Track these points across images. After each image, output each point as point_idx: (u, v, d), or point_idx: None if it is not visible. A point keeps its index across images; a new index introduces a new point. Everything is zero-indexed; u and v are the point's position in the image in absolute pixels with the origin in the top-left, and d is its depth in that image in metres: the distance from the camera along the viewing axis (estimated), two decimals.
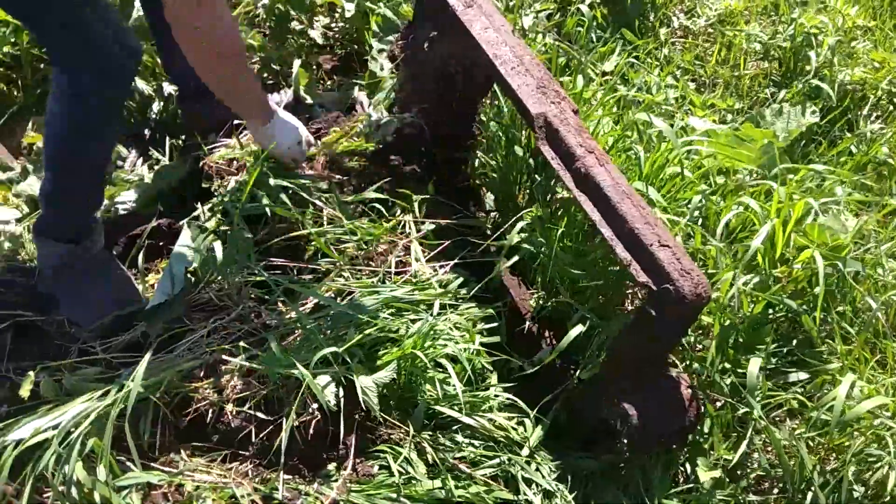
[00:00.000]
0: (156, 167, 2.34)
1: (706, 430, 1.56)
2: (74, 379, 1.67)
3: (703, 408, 1.55)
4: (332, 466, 1.60)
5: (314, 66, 2.81)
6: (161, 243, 2.09)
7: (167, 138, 2.42)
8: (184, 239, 1.88)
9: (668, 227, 1.63)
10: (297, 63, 2.57)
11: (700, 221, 1.78)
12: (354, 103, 2.63)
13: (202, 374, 1.66)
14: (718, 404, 1.60)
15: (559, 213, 1.85)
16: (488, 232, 2.14)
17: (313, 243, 1.87)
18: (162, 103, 2.51)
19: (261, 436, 1.59)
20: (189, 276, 1.85)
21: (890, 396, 1.37)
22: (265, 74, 2.77)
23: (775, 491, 1.46)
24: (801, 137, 2.23)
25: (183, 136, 2.44)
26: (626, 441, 1.56)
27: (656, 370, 1.53)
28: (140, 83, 2.48)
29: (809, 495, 1.34)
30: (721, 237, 1.57)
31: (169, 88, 2.49)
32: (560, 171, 1.58)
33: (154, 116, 2.52)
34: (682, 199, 1.71)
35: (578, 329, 1.57)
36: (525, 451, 1.64)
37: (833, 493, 1.36)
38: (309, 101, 2.57)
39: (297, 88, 2.55)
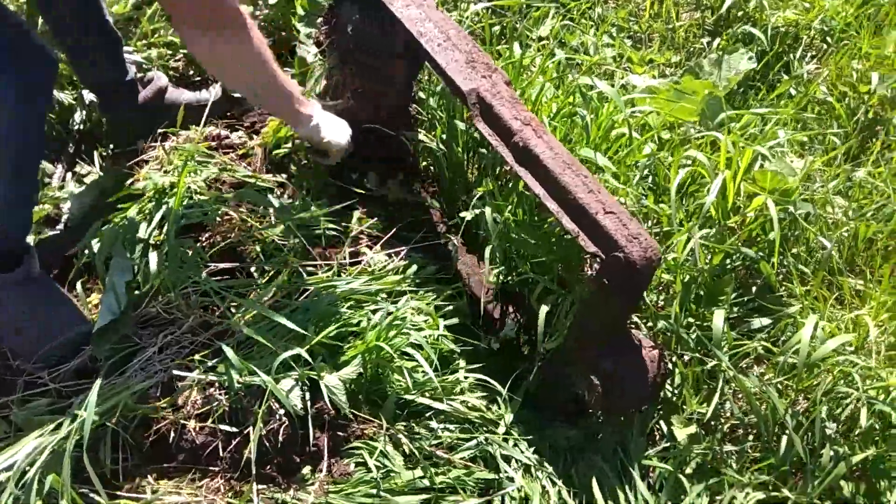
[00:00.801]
0: (85, 180, 2.23)
1: (676, 386, 1.56)
2: (24, 413, 1.58)
3: (670, 365, 1.55)
4: (306, 470, 1.55)
5: None
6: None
7: (95, 149, 2.31)
8: (119, 255, 1.79)
9: (614, 193, 1.62)
10: None
11: (650, 179, 1.77)
12: None
13: (158, 392, 1.59)
14: (686, 359, 1.61)
15: (510, 186, 1.82)
16: (439, 212, 2.10)
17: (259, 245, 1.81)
18: (84, 112, 2.38)
19: (228, 449, 1.54)
20: (133, 291, 1.77)
21: (851, 333, 1.39)
22: (190, 71, 2.66)
23: (750, 438, 1.47)
24: (740, 85, 2.23)
25: (111, 146, 2.32)
26: (597, 409, 1.55)
27: (618, 336, 1.51)
28: (59, 93, 2.35)
29: (784, 439, 1.35)
30: (674, 195, 1.55)
31: (90, 96, 2.37)
32: (499, 148, 1.54)
33: (77, 127, 2.39)
34: (631, 160, 1.69)
35: (545, 308, 1.54)
36: (501, 429, 1.62)
37: (807, 434, 1.37)
38: (238, 94, 2.48)
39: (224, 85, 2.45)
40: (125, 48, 2.31)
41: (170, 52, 2.63)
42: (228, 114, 2.41)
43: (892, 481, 1.34)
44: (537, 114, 1.75)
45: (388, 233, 1.93)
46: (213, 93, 2.45)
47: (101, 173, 2.23)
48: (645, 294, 1.54)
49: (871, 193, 1.86)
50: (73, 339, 1.73)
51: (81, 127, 2.38)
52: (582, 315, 1.53)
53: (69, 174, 2.28)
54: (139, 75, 2.39)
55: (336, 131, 1.91)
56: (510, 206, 1.73)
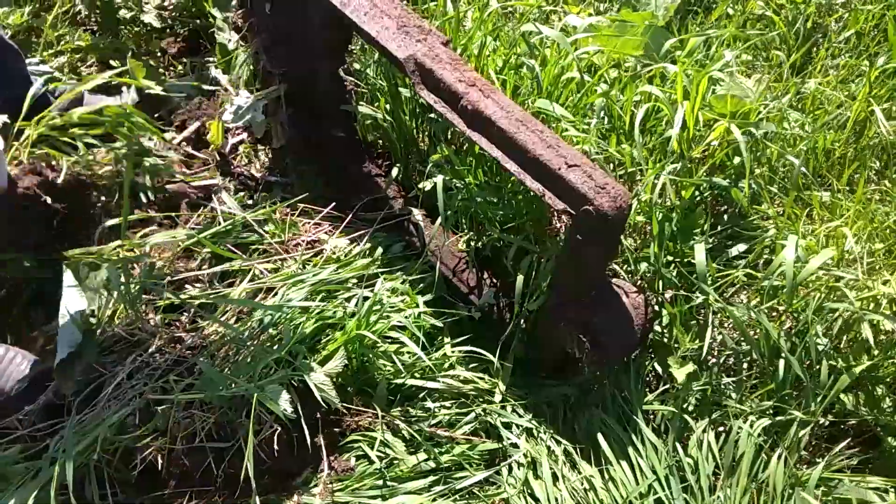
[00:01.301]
0: None
1: (665, 326, 1.55)
2: None
3: (655, 307, 1.54)
4: (307, 472, 1.51)
5: (158, 53, 2.55)
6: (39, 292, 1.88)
7: None
8: (68, 280, 1.68)
9: (574, 143, 1.57)
10: (129, 55, 2.32)
11: (606, 121, 1.73)
12: (215, 83, 2.42)
13: (137, 420, 1.50)
14: (670, 297, 1.60)
15: (465, 149, 1.76)
16: (396, 186, 2.03)
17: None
18: None
19: (222, 465, 1.47)
20: (87, 318, 1.66)
21: (830, 247, 1.39)
22: (106, 74, 2.49)
23: (744, 367, 1.48)
24: (678, 11, 2.20)
25: None
26: (588, 363, 1.53)
27: (599, 287, 1.49)
28: None
29: (781, 362, 1.35)
30: (638, 134, 1.51)
31: None
32: (447, 114, 1.46)
33: None
34: (584, 104, 1.64)
35: (521, 273, 1.50)
36: (497, 398, 1.59)
37: (801, 354, 1.37)
38: (157, 90, 2.33)
39: (137, 83, 2.31)
40: (30, 60, 2.14)
41: (79, 57, 2.46)
42: (156, 115, 2.27)
43: (890, 387, 1.36)
44: (482, 70, 1.68)
45: (346, 216, 1.86)
46: (131, 95, 2.31)
47: None
48: (622, 240, 1.52)
49: (822, 103, 1.86)
50: (34, 382, 1.62)
51: None
52: (559, 272, 1.49)
53: None
54: (51, 87, 2.23)
55: None
56: (469, 170, 1.67)
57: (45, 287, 1.82)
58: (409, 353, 1.60)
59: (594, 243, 1.33)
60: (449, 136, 1.85)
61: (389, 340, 1.61)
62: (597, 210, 1.25)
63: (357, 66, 2.11)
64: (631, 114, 1.70)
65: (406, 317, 1.57)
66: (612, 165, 1.70)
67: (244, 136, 2.18)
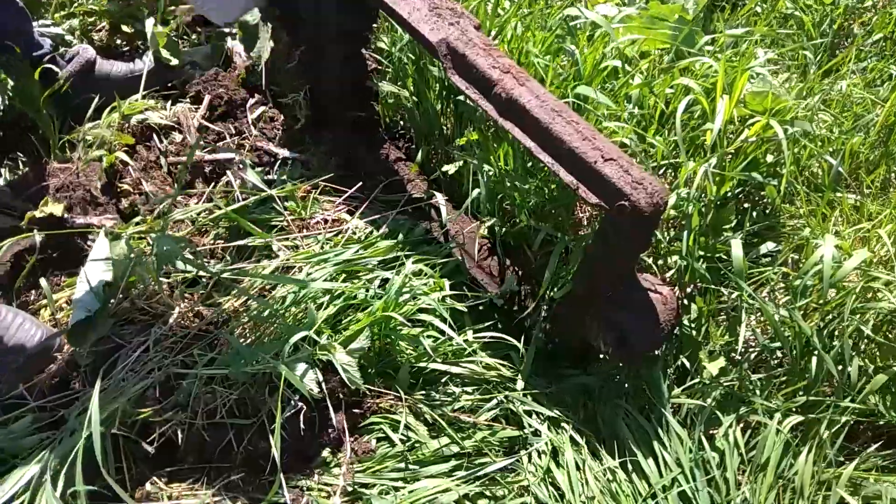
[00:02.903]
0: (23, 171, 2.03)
1: (693, 320, 1.55)
2: (9, 437, 1.44)
3: (684, 301, 1.54)
4: (327, 453, 1.49)
5: (171, 21, 2.49)
6: (54, 255, 1.84)
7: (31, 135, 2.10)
8: (100, 247, 1.64)
9: (611, 134, 1.56)
10: (149, 22, 2.26)
11: (638, 111, 1.71)
12: (231, 55, 2.37)
13: (157, 393, 1.47)
14: (694, 289, 1.60)
15: (492, 133, 1.74)
16: (418, 169, 2.01)
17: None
18: (6, 96, 2.15)
19: (242, 443, 1.45)
20: (105, 287, 1.63)
21: (863, 248, 1.39)
22: (117, 41, 2.43)
23: (773, 363, 1.48)
24: (706, 6, 2.19)
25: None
26: (613, 359, 1.53)
27: (627, 281, 1.48)
28: None
29: (814, 360, 1.36)
30: (680, 127, 1.50)
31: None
32: (479, 102, 1.43)
33: (2, 113, 2.16)
34: (623, 94, 1.63)
35: (554, 258, 1.49)
36: (520, 385, 1.58)
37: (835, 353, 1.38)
38: (174, 61, 2.28)
39: (156, 50, 2.25)
40: (42, 21, 2.09)
41: (92, 21, 2.40)
42: (169, 84, 2.23)
43: None
44: (520, 54, 1.66)
45: (366, 197, 1.83)
46: (146, 62, 2.25)
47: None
48: (656, 233, 1.51)
49: (849, 105, 1.87)
50: (41, 353, 1.59)
51: (7, 112, 2.15)
52: (587, 265, 1.48)
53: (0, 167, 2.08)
54: (62, 50, 2.17)
55: None
56: (497, 155, 1.65)
57: (60, 255, 1.79)
58: (431, 336, 1.58)
59: (626, 239, 1.31)
60: (477, 120, 1.83)
61: (412, 323, 1.59)
62: (633, 206, 1.23)
63: (382, 44, 2.07)
64: (661, 107, 1.69)
65: (433, 301, 1.55)
66: (638, 158, 1.69)
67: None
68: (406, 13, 1.54)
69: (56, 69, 2.07)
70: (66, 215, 1.85)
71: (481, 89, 1.44)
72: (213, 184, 1.92)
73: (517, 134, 1.39)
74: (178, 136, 2.06)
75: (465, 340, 1.62)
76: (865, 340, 1.36)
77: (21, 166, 2.09)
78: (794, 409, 1.40)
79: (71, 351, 1.59)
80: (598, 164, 1.28)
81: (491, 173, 1.67)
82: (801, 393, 1.40)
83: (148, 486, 1.44)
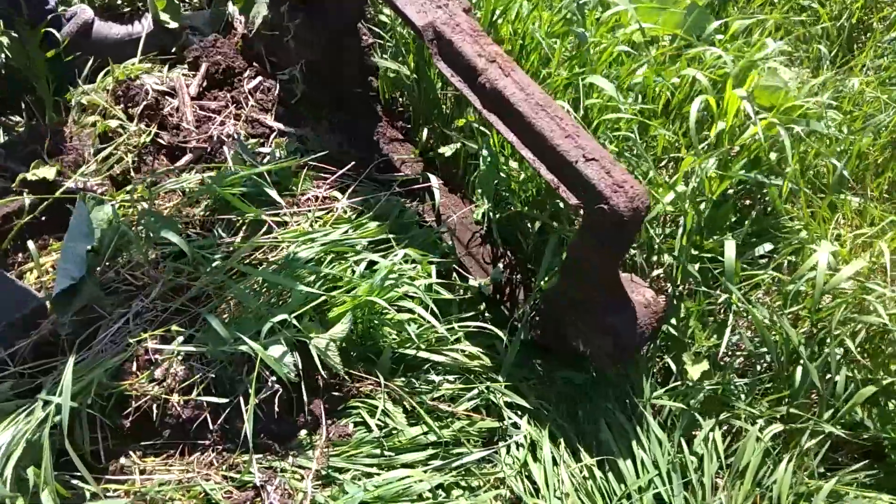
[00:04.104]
0: (17, 131, 2.01)
1: (681, 320, 1.52)
2: None
3: (673, 301, 1.50)
4: (303, 435, 1.48)
5: None
6: (43, 218, 1.82)
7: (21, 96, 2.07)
8: (79, 213, 1.62)
9: (615, 127, 1.51)
10: None
11: (640, 100, 1.66)
12: (232, 21, 2.32)
13: (134, 367, 1.46)
14: (684, 288, 1.56)
15: None
16: (413, 149, 1.97)
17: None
18: (3, 55, 2.12)
19: (218, 421, 1.44)
20: (90, 253, 1.61)
21: (860, 256, 1.35)
22: (118, 2, 2.38)
23: (758, 369, 1.45)
24: None
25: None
26: (595, 360, 1.50)
27: (609, 284, 1.44)
28: None
29: (798, 369, 1.32)
30: (694, 124, 1.44)
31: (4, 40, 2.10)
32: (464, 90, 1.38)
33: None
34: (627, 83, 1.58)
35: (550, 245, 1.45)
36: (503, 376, 1.56)
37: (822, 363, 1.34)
38: (173, 25, 2.24)
39: (155, 13, 2.21)
40: None
41: None
42: (172, 51, 2.18)
43: None
44: (524, 35, 1.61)
45: (360, 175, 1.80)
46: (145, 25, 2.21)
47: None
48: (648, 228, 1.47)
49: (860, 104, 1.81)
50: (27, 315, 1.58)
51: (3, 71, 2.12)
52: (569, 265, 1.44)
53: None
54: (61, 9, 2.13)
55: None
56: (496, 139, 1.61)
57: (50, 219, 1.77)
58: (416, 322, 1.56)
59: (605, 242, 1.27)
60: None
61: (396, 309, 1.57)
62: (612, 209, 1.19)
63: (384, 17, 2.02)
64: (666, 96, 1.64)
65: (419, 287, 1.52)
66: (637, 150, 1.64)
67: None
68: None
69: (56, 33, 2.03)
70: (57, 179, 1.83)
71: (466, 78, 1.40)
72: (204, 156, 1.89)
73: (500, 127, 1.34)
74: (174, 102, 2.03)
75: (450, 329, 1.60)
76: (856, 350, 1.32)
77: (14, 127, 2.06)
78: (777, 417, 1.37)
79: (53, 319, 1.57)
80: (580, 164, 1.23)
81: (488, 158, 1.63)
82: (785, 401, 1.37)
83: (122, 460, 1.43)
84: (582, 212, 1.24)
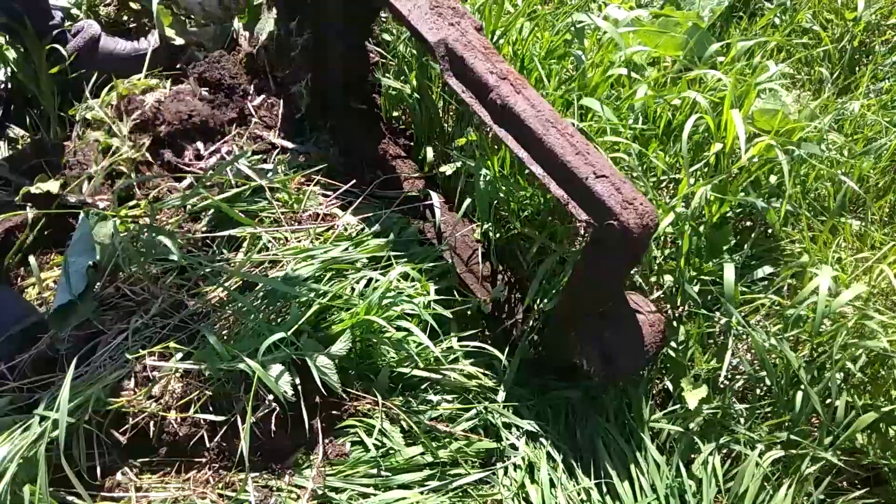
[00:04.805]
0: (21, 145, 2.02)
1: (681, 343, 1.51)
2: None
3: (673, 324, 1.50)
4: (300, 454, 1.47)
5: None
6: (46, 232, 1.83)
7: (26, 110, 2.09)
8: (82, 229, 1.63)
9: (613, 148, 1.51)
10: (156, 0, 2.23)
11: (641, 122, 1.67)
12: (236, 37, 2.34)
13: (132, 384, 1.46)
14: (685, 313, 1.56)
15: (493, 135, 1.70)
16: (415, 167, 1.98)
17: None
18: (9, 70, 2.13)
19: (215, 439, 1.44)
20: (90, 269, 1.61)
21: (861, 280, 1.35)
22: (124, 17, 2.41)
23: (758, 393, 1.44)
24: (723, 15, 2.13)
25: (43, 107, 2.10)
26: (596, 377, 1.49)
27: (614, 301, 1.44)
28: None
29: (799, 394, 1.32)
30: (685, 147, 1.45)
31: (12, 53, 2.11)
32: (475, 106, 1.39)
33: (2, 86, 2.15)
34: (626, 105, 1.58)
35: (543, 269, 1.45)
36: (501, 396, 1.55)
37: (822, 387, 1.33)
38: (179, 41, 2.26)
39: (161, 30, 2.23)
40: None
41: None
42: (178, 67, 2.20)
43: None
44: (524, 56, 1.62)
45: (361, 192, 1.80)
46: (151, 41, 2.23)
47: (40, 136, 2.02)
48: (654, 248, 1.47)
49: (860, 127, 1.81)
50: (26, 330, 1.58)
51: (9, 85, 2.14)
52: (574, 281, 1.44)
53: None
54: (67, 24, 2.15)
55: None
56: (496, 158, 1.61)
57: (53, 233, 1.78)
58: (414, 341, 1.55)
59: (614, 258, 1.28)
60: (478, 121, 1.79)
61: (396, 327, 1.56)
62: (622, 226, 1.19)
63: (387, 36, 2.04)
64: (667, 116, 1.64)
65: (418, 305, 1.52)
66: (636, 173, 1.64)
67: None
68: (406, 10, 1.50)
69: (61, 49, 2.04)
70: (60, 193, 1.84)
71: (477, 94, 1.41)
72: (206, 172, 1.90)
73: (510, 143, 1.35)
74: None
75: (449, 348, 1.60)
76: (856, 376, 1.31)
77: (19, 141, 2.07)
78: (777, 443, 1.36)
79: (52, 334, 1.58)
80: (590, 181, 1.24)
81: (487, 177, 1.63)
82: (786, 425, 1.36)
83: (118, 476, 1.43)
84: (591, 229, 1.25)
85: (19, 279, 1.79)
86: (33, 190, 1.81)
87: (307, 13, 1.80)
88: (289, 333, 1.40)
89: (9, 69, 2.12)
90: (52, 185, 1.83)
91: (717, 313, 1.43)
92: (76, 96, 2.04)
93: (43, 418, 1.35)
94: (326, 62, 1.92)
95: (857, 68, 2.04)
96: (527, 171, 1.62)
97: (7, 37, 2.06)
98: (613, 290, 1.39)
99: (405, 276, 1.63)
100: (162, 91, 2.07)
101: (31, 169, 1.92)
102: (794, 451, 1.33)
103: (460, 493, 1.46)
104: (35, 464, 1.28)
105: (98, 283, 1.63)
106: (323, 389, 1.47)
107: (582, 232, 1.62)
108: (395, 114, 2.04)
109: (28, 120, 2.06)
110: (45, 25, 2.02)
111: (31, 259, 1.66)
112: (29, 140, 2.04)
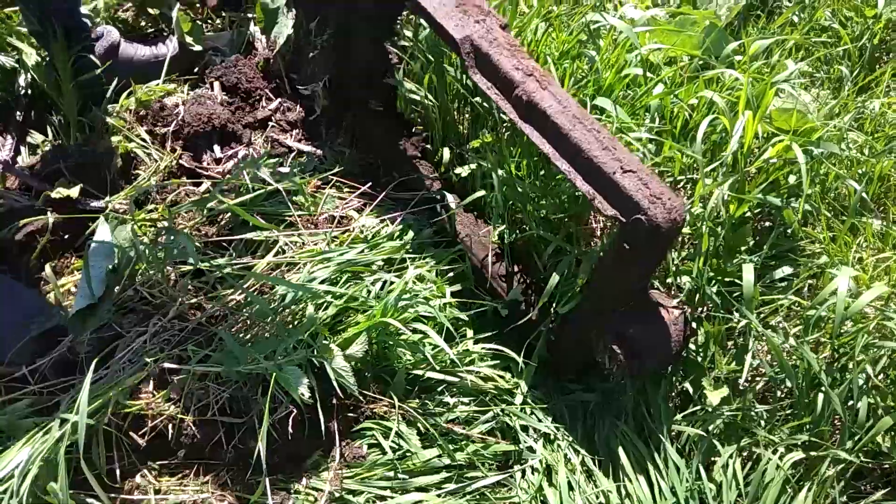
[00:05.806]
0: (42, 151, 2.05)
1: (700, 345, 1.50)
2: (5, 418, 1.45)
3: (693, 326, 1.48)
4: (317, 456, 1.47)
5: (197, 4, 2.48)
6: (65, 237, 1.85)
7: (47, 116, 2.11)
8: (102, 233, 1.64)
9: (627, 146, 1.50)
10: (175, 7, 2.25)
11: (658, 122, 1.66)
12: (253, 41, 2.35)
13: (151, 387, 1.47)
14: (705, 314, 1.54)
15: (507, 137, 1.70)
16: (431, 169, 1.97)
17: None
18: (30, 75, 2.16)
19: (233, 441, 1.44)
20: (110, 273, 1.63)
21: (882, 280, 1.33)
22: (142, 23, 2.43)
23: (779, 395, 1.43)
24: (740, 13, 2.11)
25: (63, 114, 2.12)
26: (618, 375, 1.48)
27: (639, 297, 1.43)
28: None
29: (820, 396, 1.30)
30: (700, 144, 1.44)
31: (35, 56, 2.14)
32: (500, 102, 1.40)
33: (24, 92, 2.17)
34: (642, 104, 1.57)
35: (556, 274, 1.45)
36: (518, 399, 1.55)
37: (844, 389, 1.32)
38: (197, 48, 2.28)
39: (181, 36, 2.24)
40: None
41: (117, 1, 2.40)
42: (195, 71, 2.22)
43: None
44: (538, 57, 1.61)
45: (377, 194, 1.80)
46: (170, 47, 2.25)
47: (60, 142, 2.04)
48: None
49: (881, 126, 1.78)
50: (46, 332, 1.59)
51: (29, 91, 2.16)
52: (598, 278, 1.44)
53: (20, 145, 2.09)
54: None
55: None
56: (512, 159, 1.61)
57: (72, 238, 1.80)
58: (431, 343, 1.55)
59: (641, 254, 1.27)
60: (493, 123, 1.78)
61: (412, 329, 1.56)
62: (650, 221, 1.19)
63: (405, 42, 2.04)
64: (684, 116, 1.63)
65: (433, 307, 1.52)
66: (657, 170, 1.63)
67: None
68: (431, 7, 1.51)
69: (93, 57, 2.06)
70: (80, 198, 1.86)
71: (502, 90, 1.42)
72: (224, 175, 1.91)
73: (535, 138, 1.36)
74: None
75: (465, 350, 1.60)
76: (879, 377, 1.29)
77: (40, 146, 2.10)
78: (797, 445, 1.34)
79: (72, 337, 1.59)
80: (617, 176, 1.24)
81: (503, 178, 1.63)
82: (806, 428, 1.34)
83: (137, 479, 1.44)
84: (617, 224, 1.24)
85: (41, 283, 1.81)
86: (53, 195, 1.83)
87: (337, 2, 1.81)
88: (305, 336, 1.41)
89: (29, 75, 2.15)
90: (72, 191, 1.85)
91: (737, 315, 1.42)
92: (97, 102, 2.06)
93: (63, 421, 1.36)
94: (349, 56, 1.92)
95: (877, 66, 2.01)
96: (542, 171, 1.62)
97: (35, 40, 2.09)
98: (640, 284, 1.39)
99: (421, 279, 1.63)
100: (180, 96, 2.08)
101: (52, 174, 1.94)
102: (814, 454, 1.31)
103: (477, 496, 1.46)
104: (55, 466, 1.30)
105: (117, 287, 1.64)
106: (340, 392, 1.47)
107: (601, 229, 1.61)
108: (410, 115, 2.04)
109: (49, 125, 2.08)
110: (79, 39, 2.04)
111: (47, 267, 1.69)
112: (49, 145, 2.06)
